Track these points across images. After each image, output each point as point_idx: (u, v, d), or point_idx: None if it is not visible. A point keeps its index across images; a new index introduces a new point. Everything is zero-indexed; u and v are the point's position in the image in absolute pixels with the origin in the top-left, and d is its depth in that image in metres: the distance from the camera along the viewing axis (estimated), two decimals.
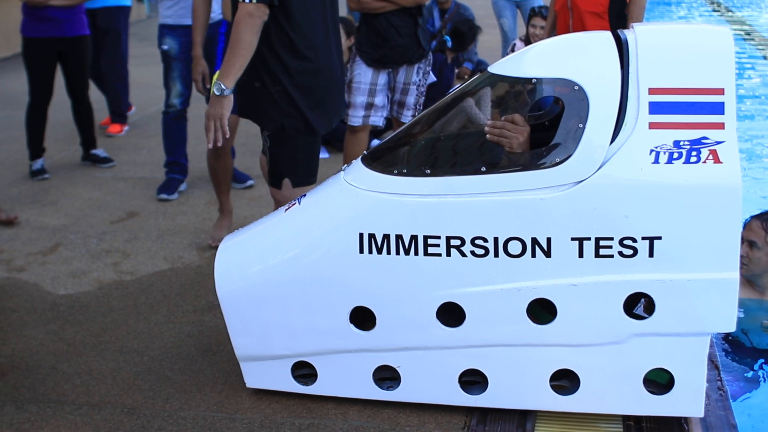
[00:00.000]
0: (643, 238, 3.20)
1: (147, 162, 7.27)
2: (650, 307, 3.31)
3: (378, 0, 5.71)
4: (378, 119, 6.02)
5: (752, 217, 4.38)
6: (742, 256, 4.27)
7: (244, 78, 4.03)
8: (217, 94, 3.95)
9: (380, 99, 5.95)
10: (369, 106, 5.94)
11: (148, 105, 9.38)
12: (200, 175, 7.00)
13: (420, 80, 5.99)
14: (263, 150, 4.35)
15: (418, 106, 6.07)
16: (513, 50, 8.14)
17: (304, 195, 3.72)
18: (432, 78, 7.84)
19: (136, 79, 9.50)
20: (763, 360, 4.29)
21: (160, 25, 6.45)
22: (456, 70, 9.77)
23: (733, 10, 15.73)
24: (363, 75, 5.91)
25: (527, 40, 8.14)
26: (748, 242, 4.31)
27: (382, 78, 5.92)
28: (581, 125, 3.21)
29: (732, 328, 3.27)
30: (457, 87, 3.71)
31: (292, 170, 4.23)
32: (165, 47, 6.40)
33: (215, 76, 3.97)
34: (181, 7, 6.29)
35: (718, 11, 15.65)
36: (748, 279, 4.38)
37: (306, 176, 4.25)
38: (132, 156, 7.71)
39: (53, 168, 7.30)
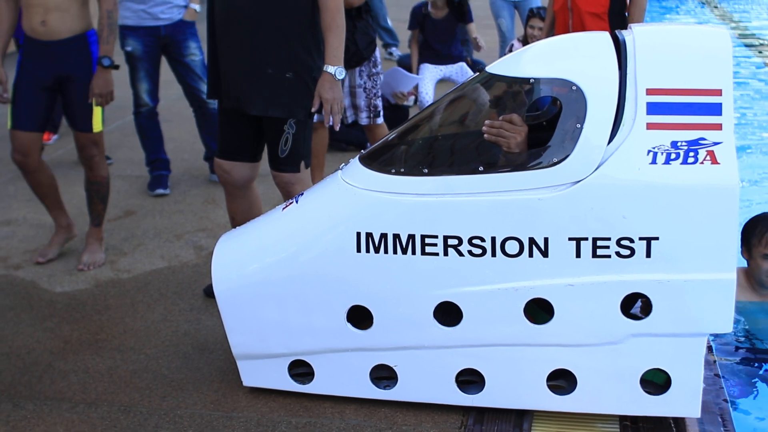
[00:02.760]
0: (641, 239, 3.20)
1: (144, 160, 7.25)
2: (647, 308, 3.31)
3: None
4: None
5: (758, 227, 4.31)
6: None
7: (269, 71, 4.20)
8: (340, 78, 4.23)
9: None
10: None
11: None
12: (197, 173, 6.99)
13: (365, 83, 6.12)
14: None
15: (372, 108, 6.16)
16: (511, 51, 8.12)
17: (302, 194, 3.72)
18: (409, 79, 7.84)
19: (126, 79, 9.45)
20: (760, 362, 4.29)
21: (120, 27, 6.37)
22: None
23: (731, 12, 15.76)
24: None
25: (525, 41, 8.13)
26: None
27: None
28: (579, 125, 3.22)
29: (729, 329, 3.27)
30: (455, 87, 3.71)
31: (308, 151, 4.46)
32: (128, 48, 6.37)
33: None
34: (142, 9, 6.27)
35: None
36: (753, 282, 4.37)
37: (311, 156, 4.57)
38: (129, 154, 7.70)
39: (51, 166, 7.25)
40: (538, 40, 7.46)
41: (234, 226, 4.52)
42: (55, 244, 5.49)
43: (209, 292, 4.67)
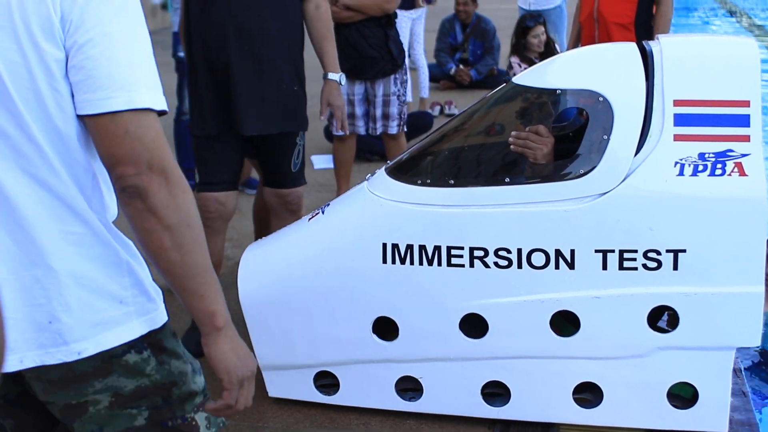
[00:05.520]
0: (668, 251, 3.19)
1: None
2: (674, 321, 3.29)
3: (346, 10, 5.80)
4: (361, 128, 6.16)
5: None
6: None
7: (283, 86, 4.11)
8: (343, 84, 4.31)
9: (360, 109, 6.11)
10: (350, 116, 6.06)
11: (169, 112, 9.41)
12: None
13: (399, 90, 6.10)
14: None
15: (402, 116, 6.16)
16: (510, 67, 8.15)
17: (328, 204, 3.72)
18: None
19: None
20: None
21: (174, 33, 6.47)
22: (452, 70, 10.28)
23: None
24: None
25: (522, 56, 8.13)
26: None
27: (359, 88, 6.05)
28: (606, 137, 3.21)
29: (757, 342, 3.26)
30: (482, 98, 3.71)
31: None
32: (182, 54, 6.42)
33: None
34: None
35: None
36: None
37: None
38: None
39: None
40: (538, 47, 7.59)
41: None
42: None
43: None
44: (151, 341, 1.95)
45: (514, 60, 8.20)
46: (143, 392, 1.94)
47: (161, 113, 1.81)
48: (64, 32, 1.73)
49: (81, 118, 1.78)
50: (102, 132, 1.75)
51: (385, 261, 3.43)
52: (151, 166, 1.76)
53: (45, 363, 1.84)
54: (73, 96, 1.76)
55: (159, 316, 1.97)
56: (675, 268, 3.20)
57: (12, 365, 1.83)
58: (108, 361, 1.88)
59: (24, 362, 1.84)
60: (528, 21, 8.15)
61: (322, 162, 7.64)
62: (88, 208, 1.85)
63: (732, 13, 16.78)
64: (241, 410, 2.00)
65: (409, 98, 8.52)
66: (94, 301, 1.86)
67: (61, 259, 1.82)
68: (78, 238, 1.84)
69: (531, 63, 7.91)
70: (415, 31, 8.97)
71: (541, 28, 8.12)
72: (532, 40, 8.07)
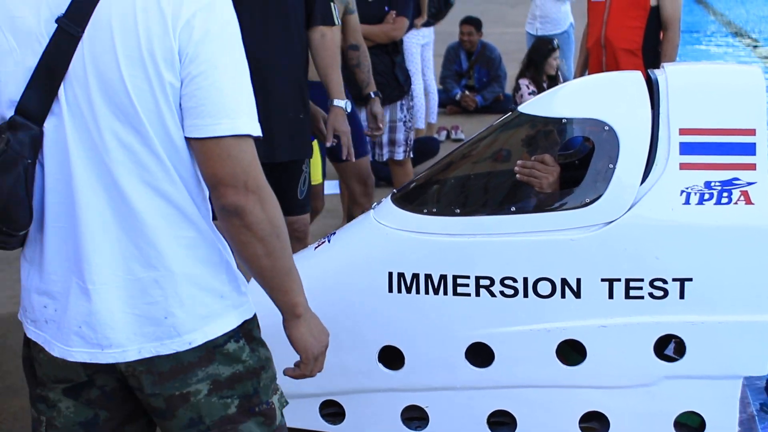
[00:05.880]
0: (674, 280, 3.18)
1: None
2: (681, 349, 3.28)
3: None
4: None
5: None
6: None
7: (290, 115, 4.11)
8: (348, 111, 4.31)
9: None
10: None
11: None
12: None
13: (406, 116, 6.07)
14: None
15: (408, 142, 6.14)
16: (518, 89, 8.16)
17: (334, 233, 3.72)
18: None
19: None
20: None
21: None
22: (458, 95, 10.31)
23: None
24: None
25: (534, 76, 8.17)
26: None
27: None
28: (611, 166, 3.21)
29: (765, 371, 3.24)
30: (488, 126, 3.72)
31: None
32: None
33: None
34: None
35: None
36: None
37: None
38: None
39: None
40: (555, 68, 7.75)
41: None
42: None
43: None
44: (245, 331, 2.23)
45: (523, 82, 8.24)
46: (238, 378, 2.20)
47: (256, 138, 2.07)
48: (180, 64, 2.00)
49: (188, 139, 2.05)
50: (207, 153, 2.03)
51: (391, 290, 3.42)
52: (247, 186, 2.02)
53: (160, 353, 2.11)
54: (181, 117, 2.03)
55: (249, 308, 2.26)
56: (681, 296, 3.19)
57: (131, 355, 2.10)
58: (211, 350, 2.15)
59: (142, 353, 2.10)
60: (552, 43, 8.27)
61: (328, 187, 7.62)
62: (198, 214, 2.12)
63: (736, 35, 16.81)
64: (314, 376, 2.47)
65: (421, 125, 8.53)
66: (202, 297, 2.14)
67: (177, 262, 2.09)
68: (190, 242, 2.11)
69: (539, 85, 7.97)
70: (425, 56, 8.99)
71: (558, 51, 8.27)
72: (552, 62, 8.19)
